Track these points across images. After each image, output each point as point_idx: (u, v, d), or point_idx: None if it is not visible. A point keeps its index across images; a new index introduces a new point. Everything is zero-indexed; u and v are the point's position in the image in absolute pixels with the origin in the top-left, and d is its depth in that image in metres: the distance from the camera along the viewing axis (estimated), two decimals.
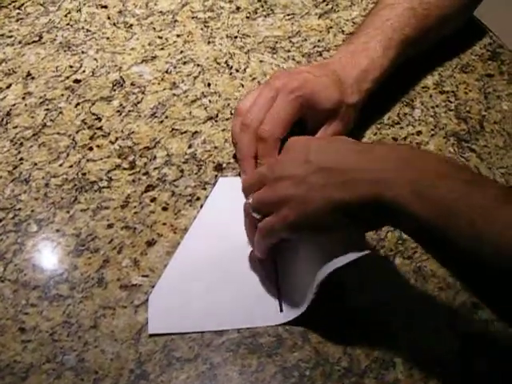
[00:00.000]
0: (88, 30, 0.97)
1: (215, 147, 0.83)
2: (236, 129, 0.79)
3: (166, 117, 0.86)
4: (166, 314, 0.70)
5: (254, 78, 0.91)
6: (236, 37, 0.96)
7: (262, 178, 0.69)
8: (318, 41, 0.95)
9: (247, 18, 0.99)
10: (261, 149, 0.76)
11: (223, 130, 0.85)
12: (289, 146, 0.69)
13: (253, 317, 0.70)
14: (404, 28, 0.83)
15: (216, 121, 0.86)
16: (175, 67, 0.92)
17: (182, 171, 0.81)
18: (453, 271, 0.72)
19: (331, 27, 0.97)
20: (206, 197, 0.79)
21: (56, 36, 0.97)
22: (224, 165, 0.82)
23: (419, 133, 0.84)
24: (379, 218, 0.62)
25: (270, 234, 0.68)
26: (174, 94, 0.89)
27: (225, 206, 0.77)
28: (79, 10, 1.00)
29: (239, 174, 0.80)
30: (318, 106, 0.78)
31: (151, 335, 0.68)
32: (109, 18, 0.99)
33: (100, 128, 0.85)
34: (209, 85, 0.90)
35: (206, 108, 0.87)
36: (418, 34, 0.84)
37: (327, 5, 1.00)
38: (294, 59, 0.93)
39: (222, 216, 0.77)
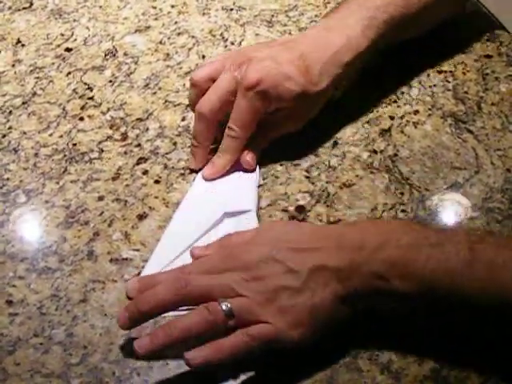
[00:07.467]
0: None
1: None
2: (192, 99, 0.77)
3: (160, 88, 0.85)
4: None
5: None
6: (232, 9, 0.94)
7: (230, 280, 0.61)
8: (316, 16, 0.93)
9: None
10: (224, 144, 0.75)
11: None
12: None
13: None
14: (388, 6, 0.78)
15: None
16: (169, 38, 0.90)
17: (174, 144, 0.80)
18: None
19: (329, 2, 0.95)
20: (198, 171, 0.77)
21: (47, 3, 0.95)
22: None
23: (416, 112, 0.83)
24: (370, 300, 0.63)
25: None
26: (168, 66, 0.87)
27: (216, 180, 0.76)
28: None
29: None
30: (279, 99, 0.74)
31: None
32: None
33: (91, 98, 0.84)
34: (203, 57, 0.88)
35: None
36: (405, 15, 0.79)
37: None
38: (290, 33, 0.91)
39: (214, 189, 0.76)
